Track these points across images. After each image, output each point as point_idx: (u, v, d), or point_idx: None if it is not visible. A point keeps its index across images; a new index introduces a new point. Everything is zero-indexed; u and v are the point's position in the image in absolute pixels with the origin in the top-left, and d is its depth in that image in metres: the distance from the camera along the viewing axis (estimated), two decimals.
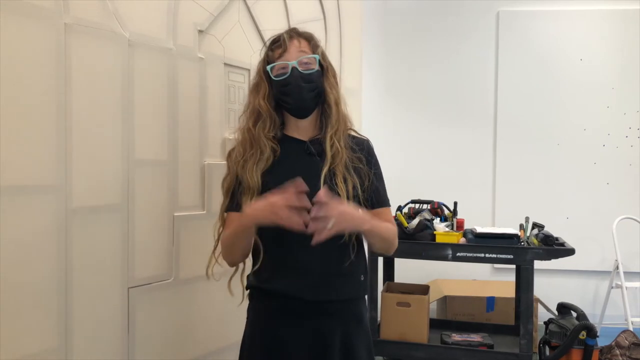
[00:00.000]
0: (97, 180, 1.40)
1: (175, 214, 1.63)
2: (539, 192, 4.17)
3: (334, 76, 1.49)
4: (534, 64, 4.21)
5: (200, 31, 1.71)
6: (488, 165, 4.30)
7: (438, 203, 3.08)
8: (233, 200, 1.44)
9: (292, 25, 2.11)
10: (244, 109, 1.50)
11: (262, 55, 1.49)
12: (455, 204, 3.07)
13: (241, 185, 1.41)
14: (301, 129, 1.47)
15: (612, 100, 4.13)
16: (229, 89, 1.83)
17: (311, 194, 1.29)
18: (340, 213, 1.24)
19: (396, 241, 1.48)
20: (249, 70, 1.91)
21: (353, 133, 1.52)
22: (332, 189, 1.36)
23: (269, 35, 1.97)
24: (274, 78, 1.43)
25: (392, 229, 1.47)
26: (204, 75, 1.73)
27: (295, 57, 1.42)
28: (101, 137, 1.41)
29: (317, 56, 1.44)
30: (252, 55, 1.92)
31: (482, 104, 4.31)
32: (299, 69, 1.41)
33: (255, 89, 1.48)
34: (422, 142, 4.28)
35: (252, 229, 1.34)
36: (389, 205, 1.51)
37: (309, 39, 1.47)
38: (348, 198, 1.37)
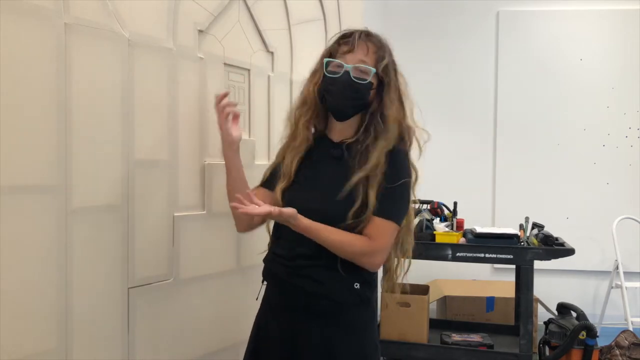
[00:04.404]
0: (97, 180, 1.40)
1: (175, 214, 1.63)
2: (539, 192, 4.18)
3: (397, 91, 1.46)
4: (534, 64, 4.21)
5: (201, 31, 1.71)
6: (488, 165, 4.31)
7: (438, 203, 3.08)
8: (268, 179, 1.56)
9: (292, 24, 2.11)
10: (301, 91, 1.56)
11: (330, 43, 1.51)
12: (455, 204, 3.08)
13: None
14: (336, 129, 1.51)
15: (612, 100, 4.13)
16: (229, 89, 1.83)
17: (330, 197, 1.40)
18: (280, 214, 1.33)
19: (359, 256, 1.38)
20: (249, 70, 1.91)
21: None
22: (356, 196, 1.38)
23: (269, 35, 1.98)
24: (326, 73, 1.45)
25: (349, 240, 1.37)
26: (204, 75, 1.73)
27: (354, 62, 1.42)
28: (101, 137, 1.41)
29: (373, 70, 1.43)
30: (252, 55, 1.92)
31: (482, 104, 4.31)
32: (352, 74, 1.42)
33: (313, 73, 1.52)
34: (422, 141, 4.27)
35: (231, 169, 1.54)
36: (387, 218, 1.39)
37: (378, 45, 1.46)
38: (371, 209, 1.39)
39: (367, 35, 1.46)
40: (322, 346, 1.41)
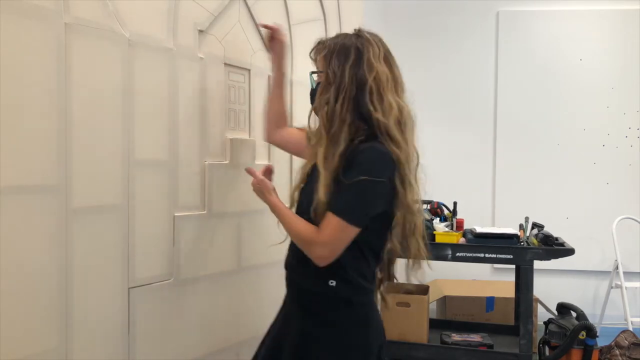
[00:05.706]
0: (97, 180, 1.40)
1: (175, 214, 1.63)
2: (539, 192, 4.17)
3: (327, 83, 1.41)
4: (534, 64, 4.20)
5: (201, 31, 1.71)
6: (488, 165, 4.30)
7: (438, 203, 3.08)
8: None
9: (292, 24, 2.11)
10: None
11: None
12: (455, 204, 3.07)
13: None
14: None
15: (612, 100, 4.12)
16: (229, 89, 1.83)
17: (305, 193, 1.46)
18: (258, 183, 1.54)
19: (304, 245, 1.38)
20: (249, 70, 1.91)
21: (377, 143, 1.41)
22: (311, 194, 1.38)
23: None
24: None
25: (297, 227, 1.40)
26: (204, 75, 1.73)
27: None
28: (101, 137, 1.41)
29: (309, 71, 1.51)
30: (252, 55, 1.92)
31: (482, 104, 4.31)
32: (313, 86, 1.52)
33: None
34: (422, 142, 4.27)
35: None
36: (334, 212, 1.33)
37: (317, 48, 1.48)
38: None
39: (311, 52, 1.51)
40: (299, 338, 1.42)
